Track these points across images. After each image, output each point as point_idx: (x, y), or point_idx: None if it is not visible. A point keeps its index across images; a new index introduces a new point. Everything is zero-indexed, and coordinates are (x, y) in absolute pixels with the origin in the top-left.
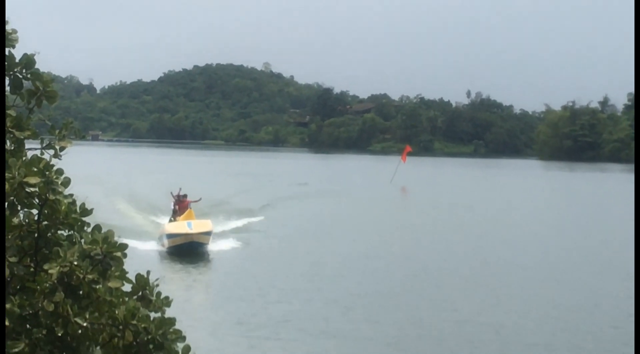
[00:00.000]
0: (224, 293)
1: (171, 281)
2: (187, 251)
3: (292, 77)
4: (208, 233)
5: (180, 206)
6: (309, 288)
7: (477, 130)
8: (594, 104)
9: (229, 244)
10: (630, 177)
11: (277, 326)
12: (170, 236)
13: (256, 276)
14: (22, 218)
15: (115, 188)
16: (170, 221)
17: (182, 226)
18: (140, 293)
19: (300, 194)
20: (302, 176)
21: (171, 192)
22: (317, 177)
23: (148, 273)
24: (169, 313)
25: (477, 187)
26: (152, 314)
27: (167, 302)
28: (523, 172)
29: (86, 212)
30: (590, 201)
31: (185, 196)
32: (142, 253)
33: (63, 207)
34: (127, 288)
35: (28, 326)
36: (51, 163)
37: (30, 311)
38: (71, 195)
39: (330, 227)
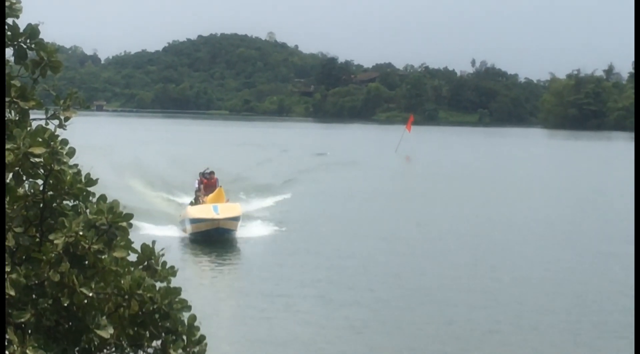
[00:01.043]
0: (252, 287)
1: (194, 273)
2: (213, 238)
3: (296, 46)
4: (236, 218)
5: (207, 184)
6: (344, 279)
7: (482, 99)
8: (599, 73)
9: (257, 229)
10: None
11: (312, 324)
12: (194, 221)
13: (289, 267)
14: (27, 188)
15: (124, 162)
16: (192, 203)
17: (208, 210)
18: (145, 263)
19: (321, 165)
20: (313, 145)
21: (200, 172)
22: (327, 147)
23: (153, 242)
24: (174, 283)
25: (482, 156)
26: (158, 284)
27: (172, 272)
28: (528, 141)
29: (91, 182)
30: (596, 169)
31: (212, 173)
32: (160, 239)
33: (68, 178)
34: (132, 257)
35: (34, 296)
36: (56, 133)
37: (36, 281)
38: (76, 165)
39: (361, 205)
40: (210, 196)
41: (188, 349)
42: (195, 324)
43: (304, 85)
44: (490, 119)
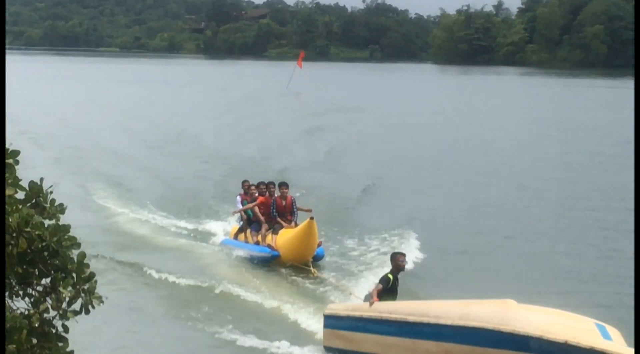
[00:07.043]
0: None
1: None
2: None
3: None
4: None
5: (279, 206)
6: None
7: (373, 35)
8: (489, 8)
9: None
10: (525, 80)
11: None
12: None
13: None
14: None
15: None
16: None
17: (590, 333)
18: (34, 201)
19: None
20: (260, 86)
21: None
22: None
23: (41, 180)
24: (63, 220)
25: (375, 91)
26: (47, 222)
27: (61, 209)
28: (419, 76)
29: None
30: (488, 102)
31: (270, 184)
32: None
33: None
34: (20, 195)
35: None
36: None
37: None
38: None
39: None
40: (292, 235)
41: (78, 286)
42: (85, 261)
43: (194, 22)
44: (381, 54)
